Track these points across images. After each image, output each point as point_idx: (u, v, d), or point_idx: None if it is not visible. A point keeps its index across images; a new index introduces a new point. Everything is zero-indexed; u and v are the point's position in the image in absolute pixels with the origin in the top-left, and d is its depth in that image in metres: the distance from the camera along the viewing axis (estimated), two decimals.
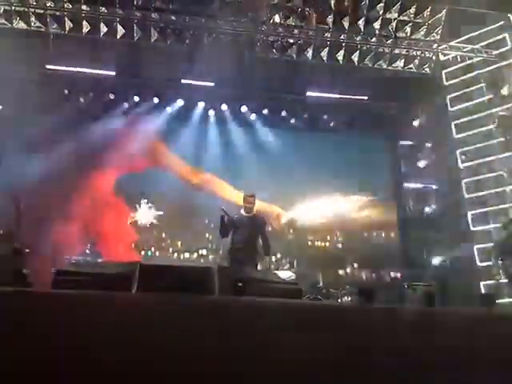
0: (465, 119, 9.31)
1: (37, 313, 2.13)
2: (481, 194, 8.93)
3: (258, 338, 2.15)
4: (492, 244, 8.15)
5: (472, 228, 8.90)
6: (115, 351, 2.02)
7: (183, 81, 9.32)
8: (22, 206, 7.88)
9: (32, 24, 8.25)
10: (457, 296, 7.11)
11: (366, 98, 9.86)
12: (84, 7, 8.19)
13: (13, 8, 8.12)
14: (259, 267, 5.41)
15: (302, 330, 2.23)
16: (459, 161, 9.30)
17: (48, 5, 8.14)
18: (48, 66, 8.93)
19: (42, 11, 8.19)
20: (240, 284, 2.77)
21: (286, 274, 3.46)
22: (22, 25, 8.24)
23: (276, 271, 4.11)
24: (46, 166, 8.35)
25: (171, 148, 9.46)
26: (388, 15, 8.76)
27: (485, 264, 8.56)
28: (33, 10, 8.16)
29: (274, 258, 6.13)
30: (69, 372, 1.94)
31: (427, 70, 9.51)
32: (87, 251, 7.51)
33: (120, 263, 3.14)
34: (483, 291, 8.30)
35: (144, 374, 1.99)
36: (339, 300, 7.24)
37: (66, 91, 9.38)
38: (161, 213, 9.13)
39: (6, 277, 4.19)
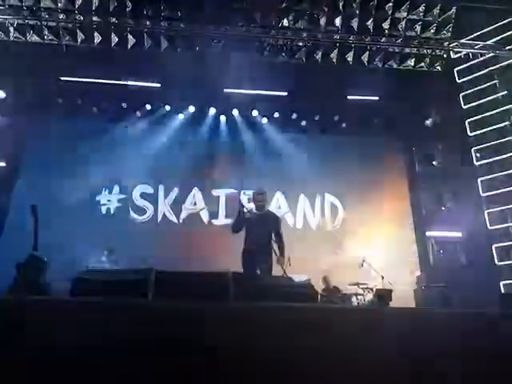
0: (478, 117, 9.21)
1: (55, 321, 2.17)
2: (497, 192, 8.80)
3: (272, 343, 2.16)
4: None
5: (489, 227, 8.77)
6: (131, 357, 2.05)
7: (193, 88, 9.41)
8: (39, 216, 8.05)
9: (45, 37, 8.43)
10: (475, 297, 7.00)
11: (377, 98, 9.81)
12: (95, 18, 8.34)
13: (26, 22, 8.32)
14: (273, 269, 5.10)
15: (316, 334, 2.23)
16: (474, 159, 9.19)
17: (60, 17, 8.31)
18: (62, 78, 9.12)
19: (54, 24, 8.37)
20: (254, 289, 2.78)
21: (300, 278, 3.46)
22: (35, 38, 8.43)
23: (291, 275, 4.10)
24: (63, 175, 8.53)
25: (183, 154, 9.53)
26: (397, 14, 8.71)
27: (504, 263, 8.43)
28: (45, 23, 8.35)
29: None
30: (84, 380, 1.97)
31: (439, 68, 9.42)
32: (103, 258, 7.59)
33: (136, 270, 3.18)
34: (503, 291, 8.16)
35: (158, 377, 2.01)
36: (355, 302, 7.19)
37: (80, 101, 9.54)
38: None
39: (25, 286, 4.28)
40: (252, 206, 5.50)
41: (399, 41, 8.98)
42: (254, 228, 5.21)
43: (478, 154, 9.18)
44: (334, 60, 8.98)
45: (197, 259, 7.73)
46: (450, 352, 2.20)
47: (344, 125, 10.22)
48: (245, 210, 5.34)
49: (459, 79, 9.52)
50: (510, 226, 8.55)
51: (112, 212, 9.38)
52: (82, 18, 8.31)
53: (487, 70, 9.12)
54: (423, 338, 2.24)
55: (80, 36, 8.48)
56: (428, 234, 9.69)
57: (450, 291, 7.37)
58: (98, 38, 8.52)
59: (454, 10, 8.69)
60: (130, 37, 8.54)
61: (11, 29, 8.33)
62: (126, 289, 2.87)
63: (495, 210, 8.78)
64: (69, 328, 2.12)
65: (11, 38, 8.38)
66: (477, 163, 9.16)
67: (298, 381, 2.10)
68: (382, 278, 7.60)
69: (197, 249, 8.51)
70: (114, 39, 8.55)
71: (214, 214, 9.70)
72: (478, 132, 9.18)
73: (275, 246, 5.14)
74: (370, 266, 7.94)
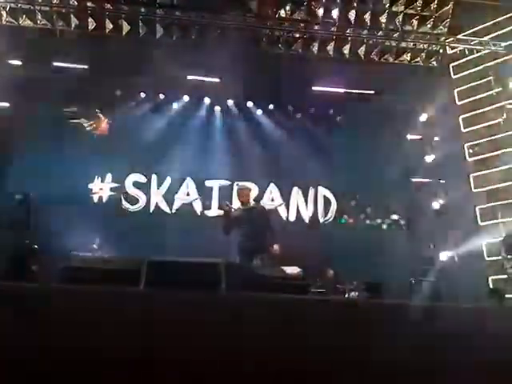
0: (472, 113, 9.24)
1: (45, 308, 2.16)
2: (489, 188, 8.87)
3: (263, 334, 2.17)
4: (501, 238, 8.12)
5: (480, 223, 8.85)
6: (123, 347, 2.04)
7: (189, 77, 9.33)
8: (33, 204, 8.00)
9: (38, 22, 8.30)
10: (464, 291, 7.09)
11: (372, 92, 9.80)
12: (89, 4, 8.22)
13: (19, 6, 8.17)
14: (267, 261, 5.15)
15: (306, 325, 2.24)
16: (467, 155, 9.24)
17: (54, 2, 8.18)
18: (55, 64, 8.97)
19: (47, 8, 8.23)
20: (246, 280, 2.78)
21: (292, 270, 3.47)
22: (28, 22, 8.29)
23: (283, 267, 4.11)
24: (55, 164, 8.44)
25: (177, 144, 9.46)
26: (394, 8, 8.70)
27: (493, 259, 8.52)
28: (39, 7, 8.21)
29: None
30: (76, 367, 1.96)
31: (434, 63, 9.43)
32: (94, 247, 7.55)
33: (128, 259, 3.17)
34: (491, 286, 8.26)
35: (153, 369, 2.01)
36: (346, 295, 7.25)
37: (73, 87, 9.39)
38: None
39: (16, 273, 4.26)
40: (237, 203, 5.45)
41: (396, 35, 8.96)
42: (245, 227, 5.16)
43: (470, 150, 9.23)
44: (331, 52, 8.96)
45: (189, 249, 7.71)
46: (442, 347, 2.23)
47: (338, 118, 10.20)
48: (232, 210, 5.30)
49: (454, 75, 9.53)
50: (500, 221, 8.63)
51: (104, 200, 9.33)
52: (76, 3, 8.18)
53: (483, 66, 9.14)
54: (414, 331, 2.26)
55: (74, 21, 8.35)
56: (419, 228, 9.76)
57: (439, 285, 7.45)
58: (92, 24, 8.40)
59: (451, 5, 8.68)
60: (124, 23, 8.43)
61: (4, 13, 8.19)
62: (117, 277, 2.87)
63: (486, 206, 8.86)
64: (57, 316, 2.10)
65: (3, 22, 8.24)
66: (469, 159, 9.21)
67: (286, 371, 2.11)
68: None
69: (189, 239, 8.49)
70: (109, 25, 8.43)
71: (206, 205, 9.69)
72: (472, 128, 9.21)
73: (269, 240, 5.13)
74: None
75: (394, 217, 10.04)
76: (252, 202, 5.50)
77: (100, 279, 2.79)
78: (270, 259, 5.03)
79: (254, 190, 9.18)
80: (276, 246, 5.07)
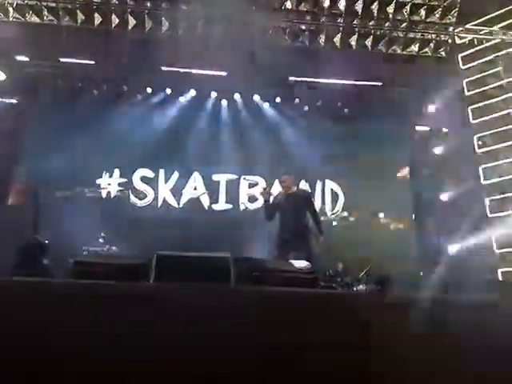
0: (482, 103, 9.13)
1: (57, 302, 2.18)
2: (498, 179, 8.78)
3: (271, 327, 2.18)
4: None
5: (489, 215, 8.78)
6: (134, 341, 2.07)
7: (194, 71, 9.31)
8: (41, 198, 8.07)
9: (44, 18, 8.31)
10: (473, 284, 7.04)
11: (380, 83, 9.72)
12: None
13: (25, 2, 8.19)
14: (313, 250, 4.99)
15: (315, 319, 2.25)
16: (476, 146, 9.14)
17: None
18: (62, 59, 9.01)
19: (54, 4, 8.24)
20: (254, 274, 2.79)
21: (301, 263, 3.46)
22: (34, 18, 8.31)
23: (291, 260, 4.12)
24: (63, 158, 8.48)
25: (184, 138, 9.48)
26: None
27: (503, 251, 8.46)
28: (45, 3, 8.22)
29: None
30: (87, 360, 1.99)
31: (443, 53, 9.31)
32: (102, 242, 7.61)
33: (137, 253, 3.19)
34: (501, 279, 8.21)
35: (160, 361, 2.03)
36: (355, 288, 7.24)
37: (80, 83, 9.45)
38: None
39: (27, 267, 4.31)
40: (279, 189, 5.49)
41: (403, 25, 8.85)
42: (288, 213, 5.12)
43: (480, 142, 9.13)
44: (338, 44, 8.88)
45: (197, 243, 7.75)
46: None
47: (346, 110, 10.14)
48: (271, 198, 5.30)
49: (463, 65, 9.41)
50: (510, 213, 8.55)
51: (112, 196, 9.39)
52: None
53: (492, 56, 9.01)
54: (423, 325, 2.25)
55: (80, 17, 8.35)
56: (427, 221, 9.71)
57: (447, 278, 7.40)
58: (98, 19, 8.39)
59: None
60: (130, 18, 8.42)
61: (10, 9, 8.21)
62: (127, 272, 2.89)
63: (496, 197, 8.77)
64: (68, 311, 2.13)
65: (10, 19, 8.27)
66: (479, 150, 9.12)
67: (299, 366, 2.12)
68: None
69: (197, 233, 8.53)
70: (115, 20, 8.43)
71: (214, 199, 9.71)
72: (481, 119, 9.11)
73: (313, 228, 5.08)
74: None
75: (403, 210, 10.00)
76: (294, 188, 5.49)
77: (109, 274, 2.81)
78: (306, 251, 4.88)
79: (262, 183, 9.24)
80: (321, 237, 5.03)
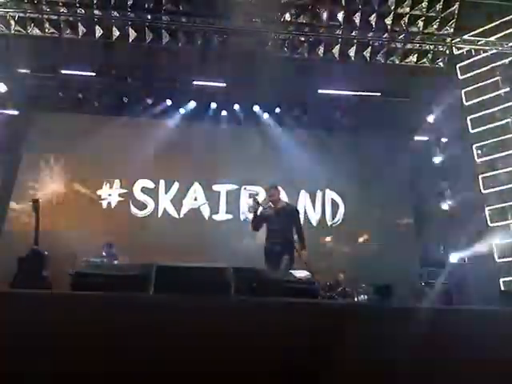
0: (480, 113, 9.17)
1: (57, 314, 2.17)
2: (498, 189, 8.78)
3: (273, 339, 2.16)
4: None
5: (490, 224, 8.76)
6: (134, 351, 2.05)
7: (195, 82, 9.38)
8: (41, 209, 8.07)
9: (46, 30, 8.40)
10: (475, 294, 7.01)
11: (379, 94, 9.77)
12: (96, 12, 8.31)
13: (27, 15, 8.29)
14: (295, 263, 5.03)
15: (317, 329, 2.24)
16: (475, 156, 9.16)
17: (61, 11, 8.28)
18: (63, 71, 9.08)
19: (55, 17, 8.34)
20: (255, 285, 2.78)
21: (302, 274, 3.46)
22: (36, 31, 8.40)
23: (292, 271, 4.10)
24: (62, 169, 8.51)
25: (184, 149, 9.50)
26: (400, 10, 8.66)
27: (504, 260, 8.43)
28: (46, 16, 8.31)
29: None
30: (90, 372, 1.98)
31: (441, 64, 9.38)
32: (103, 253, 7.59)
33: (137, 264, 3.17)
34: (502, 288, 8.16)
35: (160, 372, 2.02)
36: (356, 299, 7.20)
37: (80, 95, 9.50)
38: None
39: (26, 279, 4.29)
40: (266, 201, 5.51)
41: (401, 36, 8.94)
42: (275, 224, 5.22)
43: (479, 151, 9.15)
44: (336, 55, 8.95)
45: (197, 254, 7.73)
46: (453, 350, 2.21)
47: (346, 120, 10.18)
48: (260, 208, 5.33)
49: (461, 76, 9.47)
50: (510, 223, 8.54)
51: (113, 206, 9.39)
52: (83, 12, 8.27)
53: (490, 66, 9.07)
54: (426, 335, 2.24)
55: (81, 29, 8.44)
56: (428, 230, 9.69)
57: (450, 288, 7.37)
58: (99, 32, 8.48)
59: (456, 5, 8.63)
60: (130, 30, 8.51)
61: (12, 22, 8.30)
62: (126, 283, 2.88)
63: (496, 207, 8.77)
64: (68, 322, 2.12)
65: (12, 31, 8.35)
66: (478, 160, 9.14)
67: (296, 373, 2.10)
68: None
69: (197, 244, 8.52)
70: (116, 33, 8.51)
71: (214, 210, 9.71)
72: (480, 129, 9.14)
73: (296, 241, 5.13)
74: None
75: (403, 219, 9.99)
76: (282, 202, 5.52)
77: (109, 285, 2.80)
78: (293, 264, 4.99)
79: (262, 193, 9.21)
80: (305, 252, 5.07)
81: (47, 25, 8.38)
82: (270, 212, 5.36)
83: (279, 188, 5.63)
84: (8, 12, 8.20)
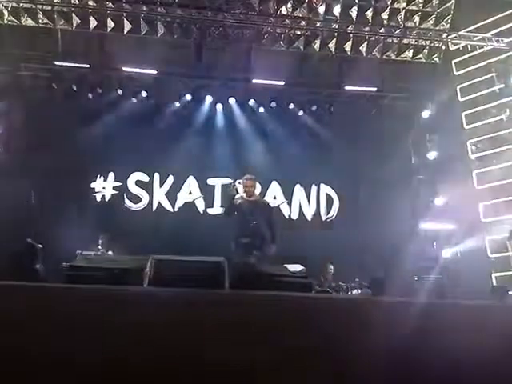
0: (475, 109, 9.20)
1: (50, 308, 2.16)
2: (492, 184, 8.84)
3: (268, 333, 2.17)
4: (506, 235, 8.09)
5: (483, 219, 8.83)
6: (128, 345, 2.05)
7: (189, 75, 9.34)
8: (34, 201, 8.03)
9: (40, 21, 8.30)
10: (468, 288, 7.06)
11: (374, 89, 9.77)
12: (91, 3, 8.22)
13: (21, 5, 8.18)
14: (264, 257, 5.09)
15: (312, 324, 2.24)
16: (470, 151, 9.21)
17: (55, 1, 8.18)
18: (56, 63, 8.97)
19: (49, 8, 8.24)
20: (249, 278, 2.79)
21: (295, 268, 3.47)
22: (29, 21, 8.30)
23: (286, 264, 4.11)
24: (57, 161, 8.43)
25: (179, 143, 9.45)
26: (396, 5, 8.68)
27: (497, 255, 8.51)
28: (40, 6, 8.21)
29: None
30: (83, 366, 1.97)
31: (436, 60, 9.40)
32: (98, 246, 7.56)
33: (132, 257, 3.17)
34: (495, 283, 8.25)
35: (157, 368, 2.02)
36: (349, 293, 7.24)
37: (74, 87, 9.39)
38: None
39: (19, 272, 4.27)
40: (242, 192, 5.46)
41: (398, 31, 8.93)
42: (246, 216, 5.19)
43: (473, 147, 9.20)
44: (333, 49, 8.93)
45: (192, 248, 7.72)
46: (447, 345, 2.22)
47: (340, 115, 10.16)
48: (236, 196, 5.29)
49: (457, 71, 9.50)
50: (503, 218, 8.61)
51: (107, 199, 9.34)
52: (77, 2, 8.18)
53: (485, 62, 9.10)
54: (420, 329, 2.25)
55: (75, 20, 8.35)
56: (422, 226, 9.74)
57: (443, 282, 7.42)
58: (93, 23, 8.40)
59: (453, 1, 8.65)
60: (125, 22, 8.43)
61: (5, 12, 8.19)
62: (121, 276, 2.88)
63: (489, 202, 8.84)
64: (63, 316, 2.11)
65: (5, 22, 8.25)
66: (472, 156, 9.19)
67: (292, 370, 2.11)
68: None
69: (192, 237, 8.51)
70: (110, 24, 8.43)
71: (209, 203, 9.69)
72: (475, 125, 9.18)
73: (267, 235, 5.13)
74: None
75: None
76: (256, 195, 5.48)
77: (104, 278, 2.80)
78: (265, 257, 5.00)
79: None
80: (273, 247, 5.07)
81: (41, 15, 8.28)
82: (244, 203, 5.29)
83: (257, 183, 5.56)
84: (1, 2, 8.08)
